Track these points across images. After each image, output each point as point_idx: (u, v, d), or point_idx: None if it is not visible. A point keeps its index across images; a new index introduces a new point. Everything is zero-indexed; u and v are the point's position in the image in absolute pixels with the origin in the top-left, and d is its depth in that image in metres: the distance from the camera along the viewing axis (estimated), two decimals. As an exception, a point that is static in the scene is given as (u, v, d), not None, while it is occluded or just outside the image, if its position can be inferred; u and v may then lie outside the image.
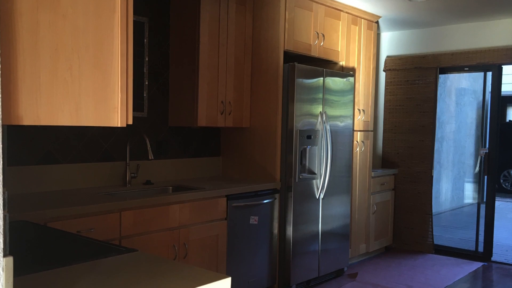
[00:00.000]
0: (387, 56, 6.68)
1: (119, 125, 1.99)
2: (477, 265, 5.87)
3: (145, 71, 4.40)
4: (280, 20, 4.65)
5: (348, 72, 5.39)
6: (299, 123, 4.66)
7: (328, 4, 5.13)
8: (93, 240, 2.29)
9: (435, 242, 6.41)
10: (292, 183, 4.64)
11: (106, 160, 4.13)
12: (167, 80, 4.59)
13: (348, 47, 5.47)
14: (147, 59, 4.40)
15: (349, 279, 5.19)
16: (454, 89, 9.57)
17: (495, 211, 6.14)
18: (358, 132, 5.63)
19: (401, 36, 6.61)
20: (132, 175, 4.23)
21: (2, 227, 1.20)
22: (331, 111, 5.03)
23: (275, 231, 4.65)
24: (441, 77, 6.97)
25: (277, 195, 4.64)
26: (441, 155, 9.10)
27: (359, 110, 5.62)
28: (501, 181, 11.98)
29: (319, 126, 4.88)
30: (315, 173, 4.87)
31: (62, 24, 1.80)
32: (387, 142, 6.66)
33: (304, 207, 4.78)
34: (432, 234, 6.33)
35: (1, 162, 1.19)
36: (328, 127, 4.95)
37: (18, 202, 3.18)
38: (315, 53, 5.03)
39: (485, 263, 5.96)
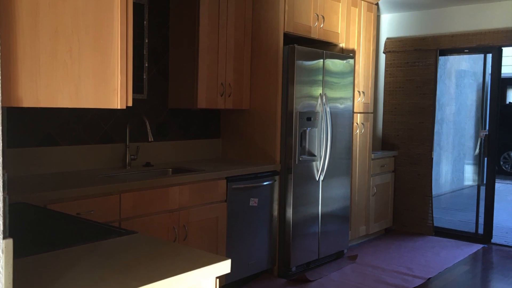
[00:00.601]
0: (387, 38, 6.65)
1: (118, 107, 1.98)
2: (477, 247, 5.90)
3: (145, 53, 4.38)
4: (280, 1, 4.62)
5: (348, 54, 5.37)
6: (299, 105, 4.65)
7: (328, -15, 5.09)
8: (93, 222, 2.29)
9: (435, 224, 6.44)
10: (292, 165, 4.65)
11: (106, 142, 4.13)
12: (167, 62, 4.57)
13: (348, 29, 5.44)
14: (147, 41, 4.38)
15: (349, 261, 5.22)
16: (454, 71, 9.54)
17: (495, 193, 6.15)
18: (358, 114, 5.62)
19: (401, 18, 6.57)
20: (132, 157, 4.23)
21: (2, 209, 1.20)
22: (331, 93, 5.02)
23: (275, 213, 4.66)
24: (441, 59, 6.94)
25: (277, 177, 4.64)
26: (441, 137, 9.10)
27: (359, 92, 5.61)
28: (501, 163, 11.99)
29: (319, 108, 4.88)
30: (315, 155, 4.87)
31: (61, 6, 1.79)
32: (387, 124, 6.66)
33: (304, 189, 4.79)
34: (432, 216, 6.36)
35: (1, 144, 1.19)
36: (328, 109, 4.94)
37: (18, 184, 3.18)
38: (315, 35, 5.01)
39: (485, 245, 5.99)
